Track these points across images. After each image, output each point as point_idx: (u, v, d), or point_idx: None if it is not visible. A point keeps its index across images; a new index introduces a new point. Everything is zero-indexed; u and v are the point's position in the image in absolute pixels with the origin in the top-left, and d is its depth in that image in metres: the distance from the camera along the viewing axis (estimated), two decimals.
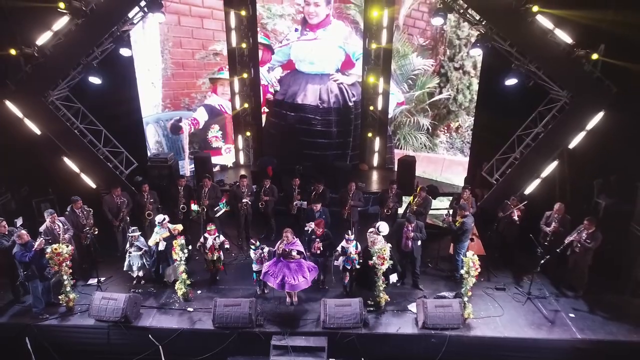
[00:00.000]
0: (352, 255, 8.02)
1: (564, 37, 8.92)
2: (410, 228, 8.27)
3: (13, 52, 8.95)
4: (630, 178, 9.21)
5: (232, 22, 12.18)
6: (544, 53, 9.09)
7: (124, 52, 9.81)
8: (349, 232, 8.24)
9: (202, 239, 8.65)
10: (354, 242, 8.09)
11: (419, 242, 8.45)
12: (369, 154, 13.62)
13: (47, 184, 10.88)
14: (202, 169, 11.70)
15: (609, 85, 9.05)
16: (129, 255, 8.71)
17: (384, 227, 8.27)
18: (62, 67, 9.61)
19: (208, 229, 8.65)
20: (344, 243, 8.09)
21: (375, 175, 13.23)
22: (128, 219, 9.66)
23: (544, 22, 8.90)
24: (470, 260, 7.54)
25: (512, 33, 9.13)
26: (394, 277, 8.44)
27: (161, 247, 8.49)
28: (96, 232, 8.95)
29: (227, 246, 8.84)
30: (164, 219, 8.60)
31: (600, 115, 9.26)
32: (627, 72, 8.60)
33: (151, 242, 8.54)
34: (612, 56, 8.78)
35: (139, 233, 8.77)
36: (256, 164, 12.56)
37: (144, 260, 8.75)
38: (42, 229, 8.36)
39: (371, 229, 8.38)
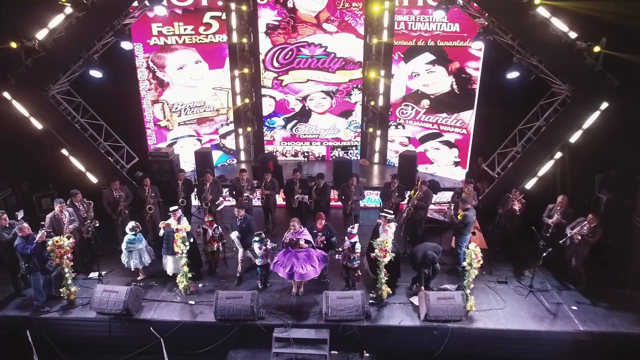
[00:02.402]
0: (345, 251, 8.01)
1: (566, 30, 8.91)
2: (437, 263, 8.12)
3: (14, 45, 8.95)
4: (631, 173, 9.21)
5: (233, 17, 12.17)
6: (545, 46, 9.10)
7: (125, 45, 9.79)
8: (352, 226, 8.20)
9: (200, 229, 8.70)
10: (355, 237, 8.03)
11: None
12: (370, 149, 13.60)
13: (47, 179, 10.87)
14: (203, 164, 11.67)
15: (610, 79, 9.05)
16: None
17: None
18: (63, 60, 9.61)
19: (206, 220, 8.68)
20: (345, 237, 8.09)
21: (376, 171, 13.21)
22: (127, 212, 9.62)
23: (546, 14, 8.89)
24: (473, 252, 7.52)
25: (513, 26, 9.12)
26: None
27: (160, 233, 8.52)
28: (97, 225, 8.93)
29: (224, 240, 8.95)
30: (176, 209, 8.58)
31: (601, 109, 9.25)
32: (629, 66, 8.61)
33: (161, 224, 8.55)
34: (614, 49, 8.77)
35: (139, 229, 8.71)
36: (257, 159, 12.53)
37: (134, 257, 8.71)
38: (49, 216, 8.40)
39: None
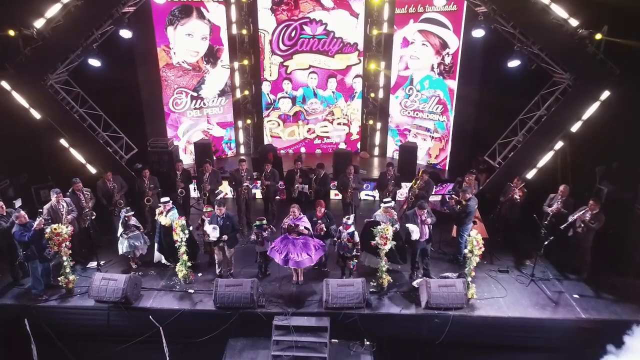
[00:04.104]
0: (344, 242, 7.91)
1: (567, 17, 8.85)
2: (424, 215, 8.02)
3: (12, 33, 8.89)
4: (632, 164, 9.13)
5: (232, 9, 12.12)
6: (546, 34, 9.07)
7: (124, 33, 9.72)
8: (348, 217, 8.16)
9: (199, 221, 8.61)
10: (352, 228, 7.95)
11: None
12: (370, 141, 13.55)
13: (46, 171, 10.80)
14: (203, 155, 11.63)
15: (612, 67, 9.01)
16: (128, 238, 8.56)
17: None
18: (62, 50, 9.56)
19: (205, 211, 8.62)
20: (341, 227, 8.02)
21: (376, 163, 13.17)
22: (122, 202, 9.54)
23: (547, 1, 8.83)
24: (474, 239, 7.47)
25: (514, 14, 9.07)
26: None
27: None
28: (94, 216, 8.91)
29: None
30: (167, 201, 8.55)
31: (602, 98, 9.20)
32: (631, 53, 8.53)
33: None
34: (617, 36, 8.70)
35: (132, 212, 8.67)
36: (257, 151, 12.49)
37: (144, 239, 8.70)
38: (46, 207, 8.30)
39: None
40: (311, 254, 7.70)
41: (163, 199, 8.65)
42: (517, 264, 8.94)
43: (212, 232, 7.99)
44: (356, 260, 8.15)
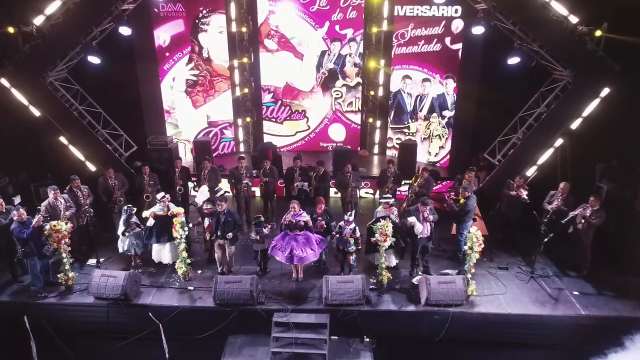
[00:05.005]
0: (345, 237, 7.92)
1: (567, 14, 8.84)
2: (426, 212, 8.04)
3: (11, 30, 8.84)
4: (633, 162, 9.11)
5: (232, 6, 12.10)
6: (546, 31, 9.05)
7: (123, 31, 9.70)
8: (349, 213, 8.17)
9: (199, 219, 8.60)
10: (353, 224, 7.97)
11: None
12: (370, 139, 13.54)
13: (46, 169, 10.79)
14: (202, 152, 11.62)
15: (612, 64, 8.99)
16: (128, 236, 8.55)
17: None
18: (61, 47, 9.53)
19: (204, 208, 8.59)
20: (342, 223, 8.03)
21: (375, 161, 13.15)
22: (122, 200, 9.51)
23: None
24: (474, 235, 7.46)
25: (514, 10, 9.06)
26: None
27: (149, 223, 8.40)
28: (91, 213, 8.90)
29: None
30: (164, 196, 8.52)
31: (602, 95, 9.19)
32: (631, 50, 8.51)
33: (146, 213, 8.45)
34: (617, 33, 8.67)
35: (135, 210, 8.65)
36: (257, 148, 12.47)
37: (141, 239, 8.66)
38: (44, 204, 8.27)
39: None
40: (314, 248, 7.71)
41: (159, 195, 8.61)
42: (516, 261, 8.94)
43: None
44: (355, 255, 8.14)
